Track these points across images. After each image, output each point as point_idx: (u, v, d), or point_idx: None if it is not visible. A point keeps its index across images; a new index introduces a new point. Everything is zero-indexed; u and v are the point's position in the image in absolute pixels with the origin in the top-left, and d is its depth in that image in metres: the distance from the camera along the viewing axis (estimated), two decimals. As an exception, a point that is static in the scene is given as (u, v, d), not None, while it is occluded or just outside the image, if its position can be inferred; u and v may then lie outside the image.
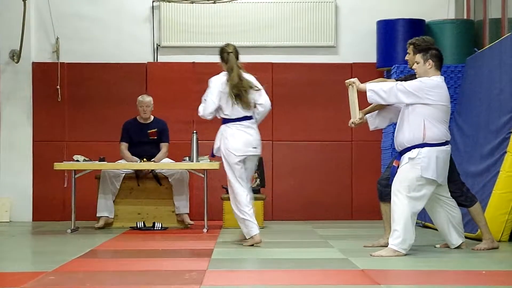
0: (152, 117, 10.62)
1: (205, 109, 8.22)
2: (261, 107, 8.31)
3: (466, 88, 10.75)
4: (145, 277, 6.12)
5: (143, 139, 10.49)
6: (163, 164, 10.23)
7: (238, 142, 8.17)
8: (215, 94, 8.20)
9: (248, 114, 8.26)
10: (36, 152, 11.83)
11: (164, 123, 10.66)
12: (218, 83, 8.25)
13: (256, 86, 8.29)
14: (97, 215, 10.32)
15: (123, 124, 10.63)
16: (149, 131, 10.53)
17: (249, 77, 8.31)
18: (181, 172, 10.34)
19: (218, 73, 11.93)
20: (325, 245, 8.35)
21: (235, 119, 8.21)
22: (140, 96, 10.62)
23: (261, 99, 8.31)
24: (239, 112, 8.22)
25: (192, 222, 10.40)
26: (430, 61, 7.50)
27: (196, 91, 11.85)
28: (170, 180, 10.38)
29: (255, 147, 8.27)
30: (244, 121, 8.23)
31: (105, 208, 10.31)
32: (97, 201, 10.32)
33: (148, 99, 10.56)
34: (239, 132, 8.20)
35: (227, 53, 8.32)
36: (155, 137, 10.54)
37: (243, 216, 8.15)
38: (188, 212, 10.41)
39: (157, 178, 10.43)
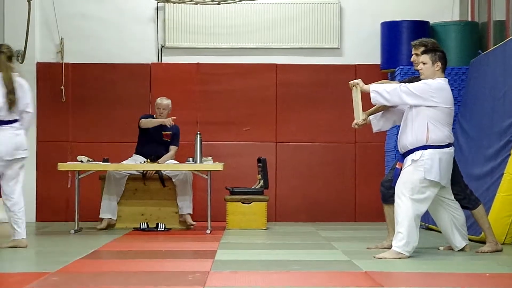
0: None
1: None
2: (27, 116, 8.17)
3: (470, 90, 10.73)
4: (148, 278, 6.12)
5: (156, 138, 10.51)
6: (166, 165, 10.23)
7: (9, 146, 8.02)
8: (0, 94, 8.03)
9: (17, 117, 8.11)
10: (40, 152, 11.83)
11: (178, 128, 10.68)
12: None
13: (24, 91, 8.16)
14: (100, 216, 10.33)
15: (142, 115, 10.62)
16: (164, 132, 10.55)
17: (21, 81, 8.20)
18: (185, 173, 10.34)
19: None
20: (328, 247, 8.34)
21: (7, 121, 8.04)
22: (158, 98, 10.63)
23: (30, 107, 8.19)
24: (10, 114, 8.05)
25: (194, 223, 10.40)
26: (439, 62, 7.47)
27: (200, 92, 11.90)
28: (173, 180, 10.38)
29: (25, 149, 8.14)
30: (14, 124, 8.09)
31: (108, 209, 10.31)
32: (101, 202, 10.33)
33: (166, 102, 10.57)
34: (11, 135, 8.05)
35: None
36: (168, 139, 10.57)
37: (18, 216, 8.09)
38: (191, 212, 10.41)
39: (162, 179, 10.43)
